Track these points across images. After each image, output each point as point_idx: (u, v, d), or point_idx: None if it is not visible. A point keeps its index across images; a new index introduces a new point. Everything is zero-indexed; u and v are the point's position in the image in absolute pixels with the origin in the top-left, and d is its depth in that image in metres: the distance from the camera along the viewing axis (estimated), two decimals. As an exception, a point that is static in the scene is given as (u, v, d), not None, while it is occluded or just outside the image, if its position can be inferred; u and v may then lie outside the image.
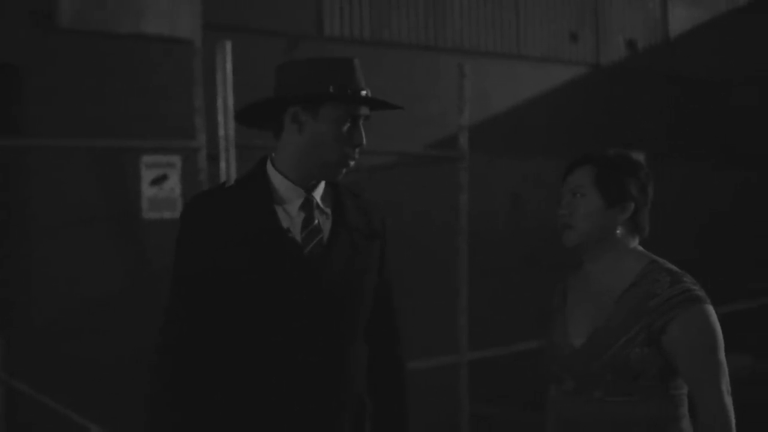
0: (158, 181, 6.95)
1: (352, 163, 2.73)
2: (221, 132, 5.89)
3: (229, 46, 5.89)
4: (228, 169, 5.88)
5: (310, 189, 2.75)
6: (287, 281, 2.67)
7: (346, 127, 2.71)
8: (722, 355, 2.75)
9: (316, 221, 2.73)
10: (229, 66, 5.88)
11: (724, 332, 2.76)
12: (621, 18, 10.66)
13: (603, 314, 2.81)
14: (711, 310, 2.77)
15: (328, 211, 2.77)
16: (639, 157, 11.41)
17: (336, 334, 2.72)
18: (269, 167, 2.77)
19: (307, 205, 2.74)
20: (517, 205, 9.49)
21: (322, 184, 2.79)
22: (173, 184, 6.64)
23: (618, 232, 2.86)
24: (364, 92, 2.71)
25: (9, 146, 6.33)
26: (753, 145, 11.67)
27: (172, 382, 2.68)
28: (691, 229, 10.89)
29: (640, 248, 2.90)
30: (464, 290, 6.83)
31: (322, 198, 2.78)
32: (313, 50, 8.30)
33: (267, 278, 2.67)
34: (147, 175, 6.98)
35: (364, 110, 2.74)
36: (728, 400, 2.73)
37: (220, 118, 5.89)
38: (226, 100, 5.87)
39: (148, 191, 6.90)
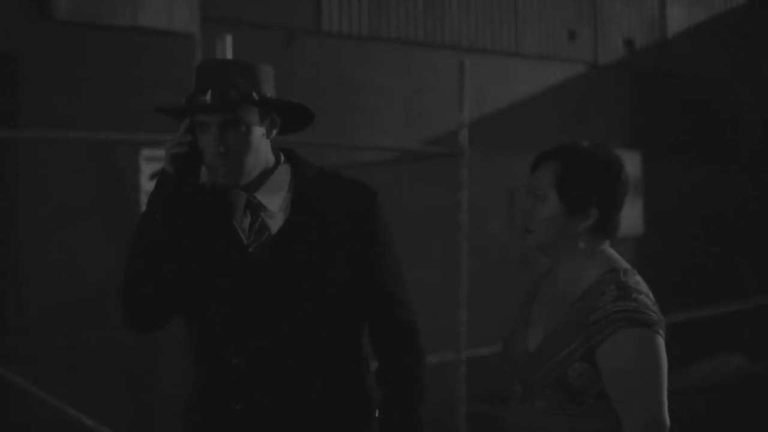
0: (157, 174, 6.92)
1: (219, 170, 2.68)
2: (219, 125, 5.86)
3: (229, 39, 5.87)
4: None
5: (248, 188, 2.73)
6: (233, 283, 2.68)
7: (200, 136, 2.73)
8: (652, 386, 2.50)
9: (260, 219, 2.72)
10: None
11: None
12: (619, 17, 10.66)
13: (555, 321, 2.61)
14: (652, 336, 2.51)
15: (274, 208, 2.72)
16: (635, 156, 11.36)
17: (289, 333, 2.68)
18: None
19: (250, 205, 2.73)
20: (515, 202, 9.49)
21: (273, 177, 2.75)
22: (171, 178, 6.61)
23: (581, 241, 2.63)
24: (209, 96, 2.68)
25: (4, 138, 6.31)
26: (751, 146, 11.67)
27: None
28: (688, 229, 10.89)
29: (609, 251, 2.66)
30: (464, 288, 6.81)
31: (277, 190, 2.74)
32: (311, 45, 8.29)
33: (215, 281, 2.69)
34: (146, 169, 6.96)
35: (207, 117, 2.70)
36: None
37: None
38: (225, 94, 5.82)
39: (147, 185, 6.88)
